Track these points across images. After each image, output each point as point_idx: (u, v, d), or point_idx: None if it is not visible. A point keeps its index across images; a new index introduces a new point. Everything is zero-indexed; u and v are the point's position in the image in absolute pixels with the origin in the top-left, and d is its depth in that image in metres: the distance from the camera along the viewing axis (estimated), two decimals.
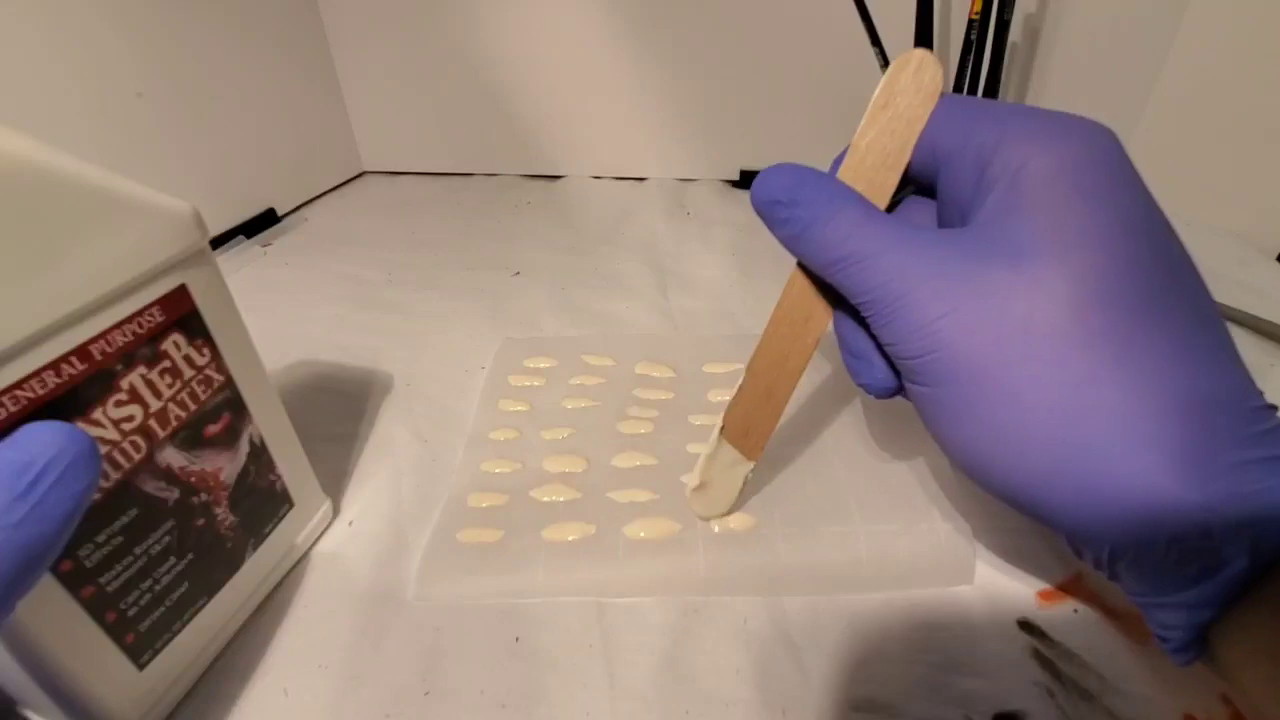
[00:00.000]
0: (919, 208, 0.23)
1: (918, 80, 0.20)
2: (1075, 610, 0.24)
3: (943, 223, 0.21)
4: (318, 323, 0.42)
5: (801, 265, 0.22)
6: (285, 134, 0.58)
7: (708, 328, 0.42)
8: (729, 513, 0.27)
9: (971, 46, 0.39)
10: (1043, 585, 0.25)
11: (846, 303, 0.21)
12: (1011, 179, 0.18)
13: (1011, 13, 0.38)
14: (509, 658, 0.23)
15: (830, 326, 0.23)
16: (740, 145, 0.63)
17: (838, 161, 0.22)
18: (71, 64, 0.40)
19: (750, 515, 0.27)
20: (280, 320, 0.42)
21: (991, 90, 0.39)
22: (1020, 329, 0.17)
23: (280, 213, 0.58)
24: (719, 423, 0.25)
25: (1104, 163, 0.18)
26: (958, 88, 0.40)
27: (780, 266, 0.49)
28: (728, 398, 0.34)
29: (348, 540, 0.27)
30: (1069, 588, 0.25)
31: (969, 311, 0.17)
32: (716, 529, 0.27)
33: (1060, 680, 0.22)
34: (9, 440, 0.14)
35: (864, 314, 0.20)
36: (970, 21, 0.39)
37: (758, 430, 0.25)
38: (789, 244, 0.21)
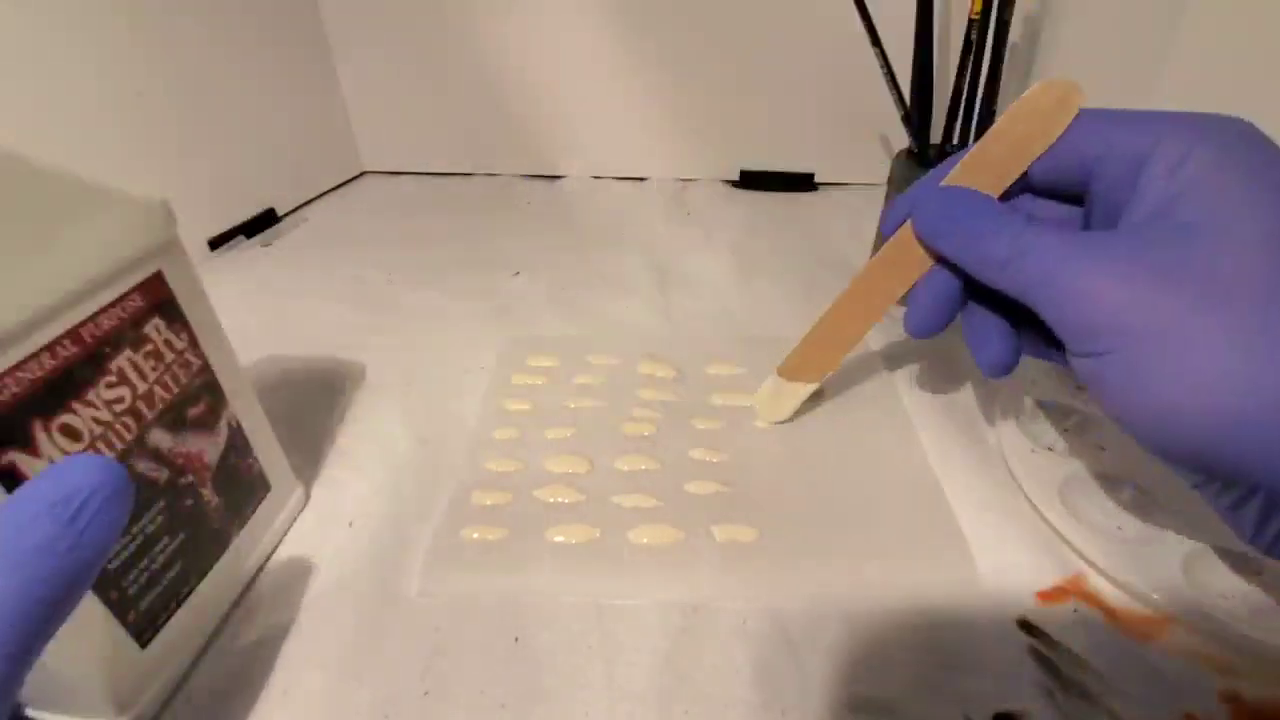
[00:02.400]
0: (1035, 205, 0.25)
1: (1063, 105, 0.21)
2: (1075, 610, 0.24)
3: (1092, 222, 0.23)
4: (318, 322, 0.42)
5: (909, 241, 0.25)
6: (285, 134, 0.58)
7: (708, 328, 0.42)
8: (788, 419, 0.33)
9: (971, 46, 0.39)
10: (1043, 585, 0.25)
11: (983, 296, 0.24)
12: (1172, 171, 0.19)
13: (1011, 13, 0.38)
14: (509, 658, 0.23)
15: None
16: (740, 145, 0.63)
17: (946, 168, 0.24)
18: (72, 63, 0.40)
19: (752, 527, 0.27)
20: (280, 320, 0.42)
21: (991, 90, 0.39)
22: (1215, 286, 0.18)
23: (280, 213, 0.58)
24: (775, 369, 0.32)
25: (1256, 145, 0.19)
26: (958, 88, 0.40)
27: (780, 267, 0.49)
28: (730, 401, 0.35)
29: (348, 540, 0.27)
30: (1069, 588, 0.25)
31: (1152, 281, 0.18)
32: (719, 538, 0.27)
33: (1060, 680, 0.22)
34: (53, 471, 0.15)
35: (1035, 302, 0.21)
36: (970, 21, 0.39)
37: (819, 366, 0.31)
38: (955, 256, 0.23)
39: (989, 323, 0.25)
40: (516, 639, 0.24)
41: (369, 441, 0.33)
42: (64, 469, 0.15)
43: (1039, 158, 0.22)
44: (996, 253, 0.21)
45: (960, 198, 0.23)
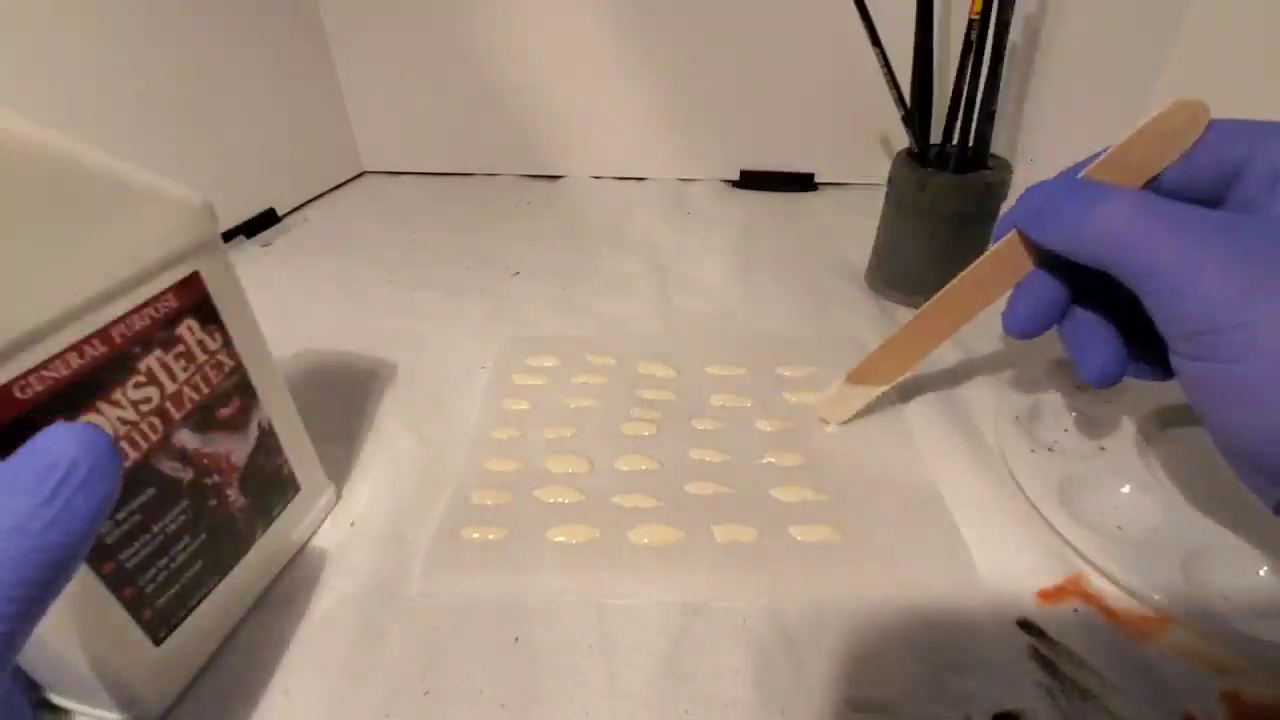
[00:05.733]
0: None
1: (1194, 123, 0.21)
2: (1075, 610, 0.24)
3: None
4: (318, 322, 0.42)
5: (1011, 245, 0.24)
6: (285, 134, 0.58)
7: (708, 328, 0.42)
8: (847, 420, 0.32)
9: (971, 46, 0.39)
10: (1043, 585, 0.25)
11: (1095, 294, 0.23)
12: None
13: (1011, 13, 0.38)
14: (509, 658, 0.23)
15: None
16: (740, 145, 0.63)
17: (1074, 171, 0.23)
18: (72, 63, 0.40)
19: (752, 527, 0.27)
20: (280, 320, 0.42)
21: (991, 90, 0.39)
22: None
23: (280, 213, 0.58)
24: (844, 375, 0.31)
25: None
26: (958, 88, 0.40)
27: (780, 267, 0.49)
28: (730, 402, 0.35)
29: (349, 540, 0.27)
30: (1069, 587, 0.25)
31: None
32: (719, 538, 0.27)
33: (1060, 680, 0.22)
34: (30, 445, 0.14)
35: (1144, 291, 0.19)
36: (970, 21, 0.39)
37: (891, 372, 0.31)
38: (1060, 240, 0.21)
39: (1093, 329, 0.23)
40: (516, 639, 0.24)
41: (369, 441, 0.33)
42: (40, 442, 0.14)
43: (1170, 166, 0.21)
44: (1103, 222, 0.19)
45: (1069, 183, 0.22)
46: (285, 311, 0.43)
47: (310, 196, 0.62)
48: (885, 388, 0.31)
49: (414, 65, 0.63)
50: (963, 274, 0.26)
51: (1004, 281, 0.25)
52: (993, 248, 0.25)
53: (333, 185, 0.65)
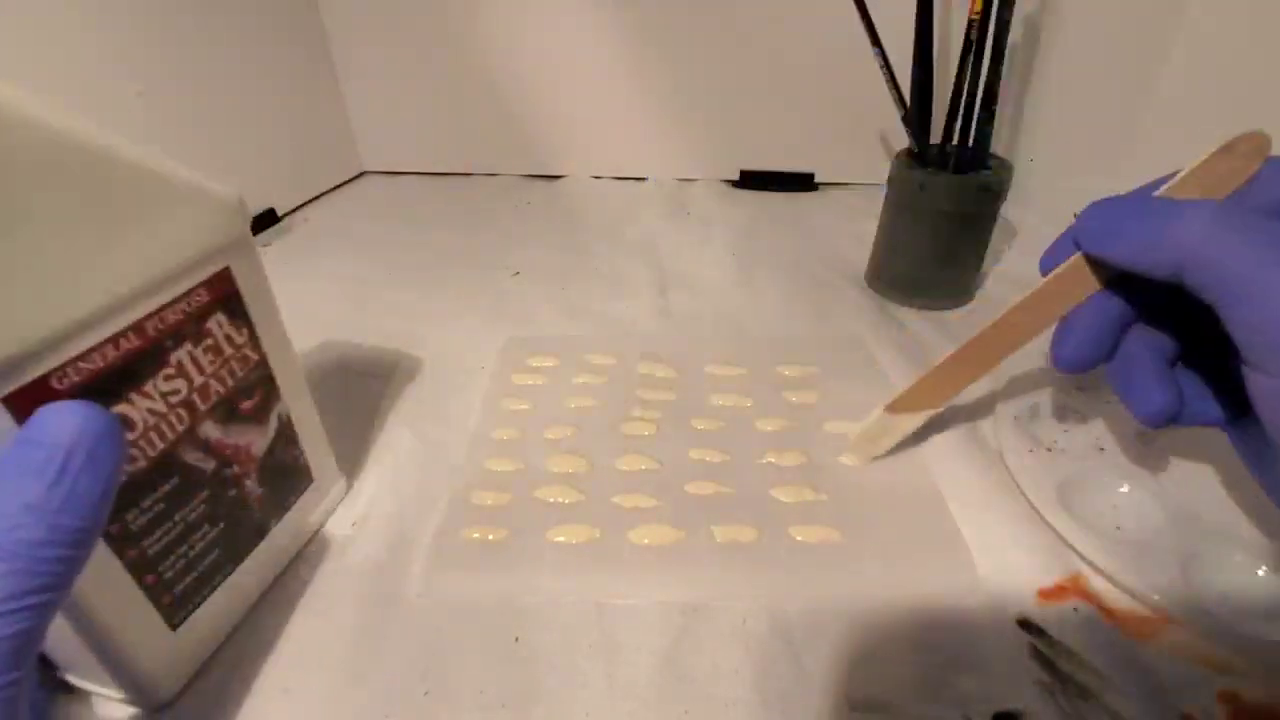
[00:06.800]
0: None
1: (1259, 152, 0.21)
2: (1075, 609, 0.24)
3: None
4: (317, 322, 0.42)
5: (1074, 269, 0.23)
6: (285, 134, 0.58)
7: (707, 328, 0.42)
8: (884, 455, 0.30)
9: (971, 46, 0.39)
10: (1042, 584, 0.25)
11: (1156, 323, 0.22)
12: None
13: (1011, 13, 0.38)
14: (509, 658, 0.23)
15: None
16: (740, 145, 0.63)
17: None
18: (72, 62, 0.40)
19: (752, 527, 0.27)
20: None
21: (991, 90, 0.39)
22: None
23: (280, 213, 0.58)
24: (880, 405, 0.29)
25: None
26: (957, 88, 0.40)
27: (780, 267, 0.49)
28: (730, 401, 0.35)
29: (350, 540, 0.27)
30: (1068, 587, 0.25)
31: None
32: (719, 538, 0.27)
33: (1060, 679, 0.22)
34: (31, 426, 0.14)
35: (1224, 303, 0.18)
36: (970, 21, 0.39)
37: (933, 399, 0.29)
38: (1135, 253, 0.20)
39: (1147, 363, 0.22)
40: (516, 639, 0.24)
41: (369, 441, 0.33)
42: (40, 423, 0.14)
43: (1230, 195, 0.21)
44: (1186, 236, 0.18)
45: (1138, 199, 0.21)
46: (285, 311, 0.43)
47: (310, 196, 0.62)
48: (931, 413, 0.29)
49: (414, 65, 0.63)
50: (1018, 301, 0.25)
51: (1057, 309, 0.24)
52: (1056, 271, 0.23)
53: (333, 185, 0.65)
